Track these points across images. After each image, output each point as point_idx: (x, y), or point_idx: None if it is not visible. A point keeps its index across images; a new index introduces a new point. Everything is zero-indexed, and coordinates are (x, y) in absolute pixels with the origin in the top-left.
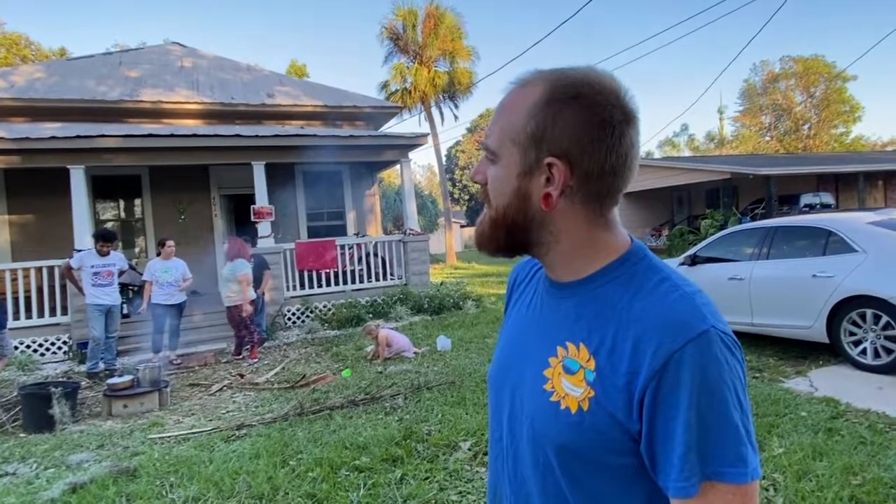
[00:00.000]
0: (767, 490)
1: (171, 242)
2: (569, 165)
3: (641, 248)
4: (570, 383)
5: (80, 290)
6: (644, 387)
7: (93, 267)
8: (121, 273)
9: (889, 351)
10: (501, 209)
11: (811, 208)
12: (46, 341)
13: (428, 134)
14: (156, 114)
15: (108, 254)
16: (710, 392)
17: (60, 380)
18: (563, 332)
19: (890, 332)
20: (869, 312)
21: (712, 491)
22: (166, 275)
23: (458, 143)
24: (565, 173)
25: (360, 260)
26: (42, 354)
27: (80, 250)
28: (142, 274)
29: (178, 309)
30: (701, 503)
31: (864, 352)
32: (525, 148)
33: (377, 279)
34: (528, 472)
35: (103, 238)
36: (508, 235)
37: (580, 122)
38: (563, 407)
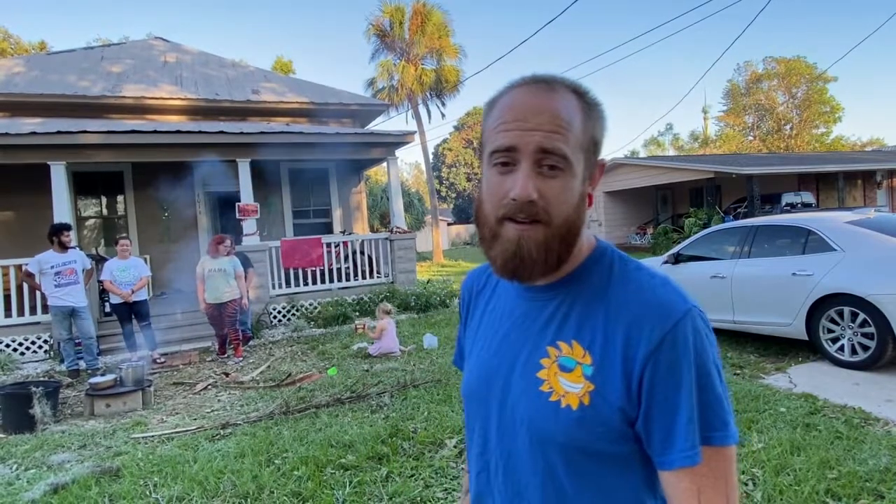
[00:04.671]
0: (747, 484)
1: (124, 242)
2: (604, 165)
3: (606, 243)
4: (568, 381)
5: (43, 293)
6: (643, 367)
7: (53, 267)
8: (89, 274)
9: (865, 348)
10: (569, 220)
11: (792, 207)
12: (27, 340)
13: (415, 132)
14: (139, 109)
15: (68, 244)
16: (699, 364)
17: (41, 379)
18: (551, 333)
19: (866, 330)
20: (846, 310)
21: (703, 455)
22: (124, 274)
23: (445, 140)
24: (602, 172)
25: (346, 258)
26: (22, 354)
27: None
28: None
29: (141, 307)
30: (694, 468)
31: (841, 349)
32: (589, 153)
33: (363, 277)
34: (526, 478)
35: (57, 231)
36: (566, 247)
37: (604, 127)
38: (563, 405)
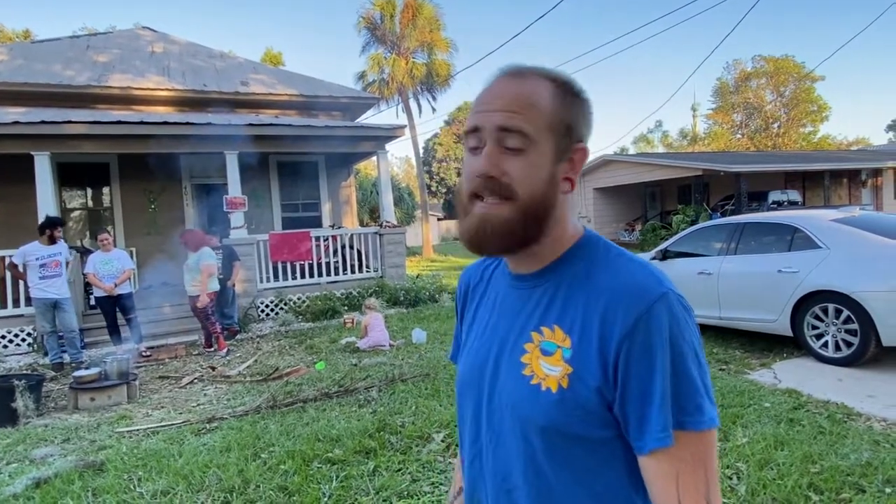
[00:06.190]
0: (731, 479)
1: (103, 236)
2: (585, 151)
3: (594, 232)
4: (548, 364)
5: (28, 285)
6: (618, 349)
7: (38, 259)
8: (68, 264)
9: (849, 344)
10: (535, 197)
11: (779, 205)
12: (10, 333)
13: (405, 126)
14: (125, 100)
15: (59, 240)
16: (674, 348)
17: (24, 372)
18: (536, 319)
19: (850, 326)
20: (831, 307)
21: (680, 439)
22: (106, 267)
23: (435, 135)
24: (584, 158)
25: (335, 252)
26: (5, 347)
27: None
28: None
29: (125, 300)
30: (671, 451)
31: (825, 345)
32: (560, 135)
33: (352, 271)
34: (512, 461)
35: (52, 226)
36: (534, 225)
37: (587, 114)
38: (543, 388)
